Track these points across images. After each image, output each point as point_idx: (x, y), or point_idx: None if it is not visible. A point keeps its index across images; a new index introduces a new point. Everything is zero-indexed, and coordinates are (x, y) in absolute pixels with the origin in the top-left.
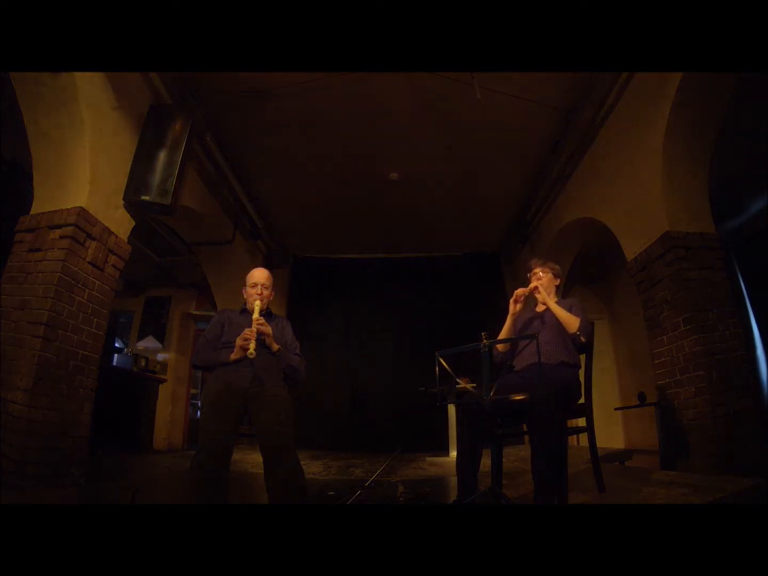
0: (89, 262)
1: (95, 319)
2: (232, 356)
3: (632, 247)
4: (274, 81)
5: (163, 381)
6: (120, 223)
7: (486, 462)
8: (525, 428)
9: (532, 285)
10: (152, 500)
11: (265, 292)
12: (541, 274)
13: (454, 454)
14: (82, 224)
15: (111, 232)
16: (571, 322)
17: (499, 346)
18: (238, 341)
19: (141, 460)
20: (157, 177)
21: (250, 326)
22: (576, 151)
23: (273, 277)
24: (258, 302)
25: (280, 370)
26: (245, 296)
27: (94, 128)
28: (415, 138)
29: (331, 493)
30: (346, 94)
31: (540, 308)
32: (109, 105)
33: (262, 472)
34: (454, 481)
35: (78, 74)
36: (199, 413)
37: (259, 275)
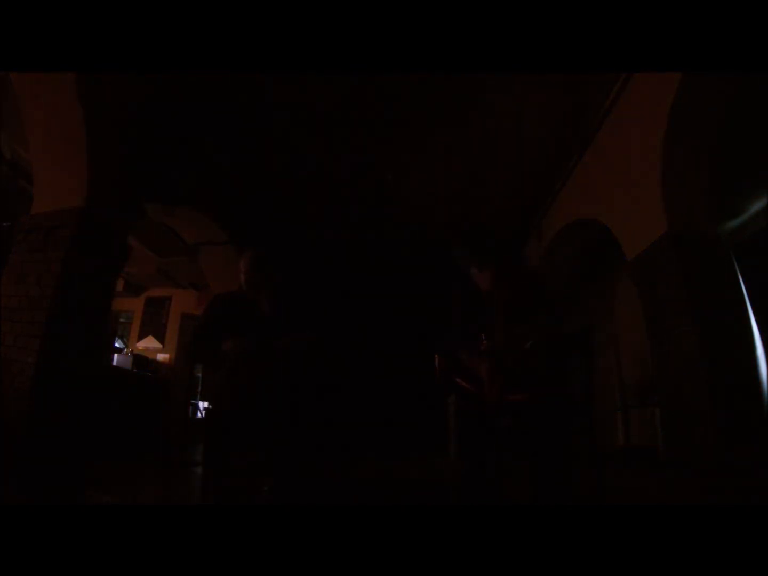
0: (89, 262)
1: (95, 319)
2: (234, 349)
3: (632, 247)
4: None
5: (163, 381)
6: (120, 223)
7: (486, 462)
8: (526, 428)
9: None
10: (152, 500)
11: (257, 278)
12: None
13: (453, 454)
14: (82, 224)
15: (110, 232)
16: None
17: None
18: (239, 340)
19: (141, 460)
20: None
21: (248, 314)
22: (576, 152)
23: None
24: (255, 290)
25: (284, 359)
26: (241, 281)
27: (93, 129)
28: (417, 138)
29: (332, 493)
30: (346, 96)
31: None
32: (109, 105)
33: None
34: (454, 481)
35: (78, 74)
36: (199, 413)
37: (248, 262)
